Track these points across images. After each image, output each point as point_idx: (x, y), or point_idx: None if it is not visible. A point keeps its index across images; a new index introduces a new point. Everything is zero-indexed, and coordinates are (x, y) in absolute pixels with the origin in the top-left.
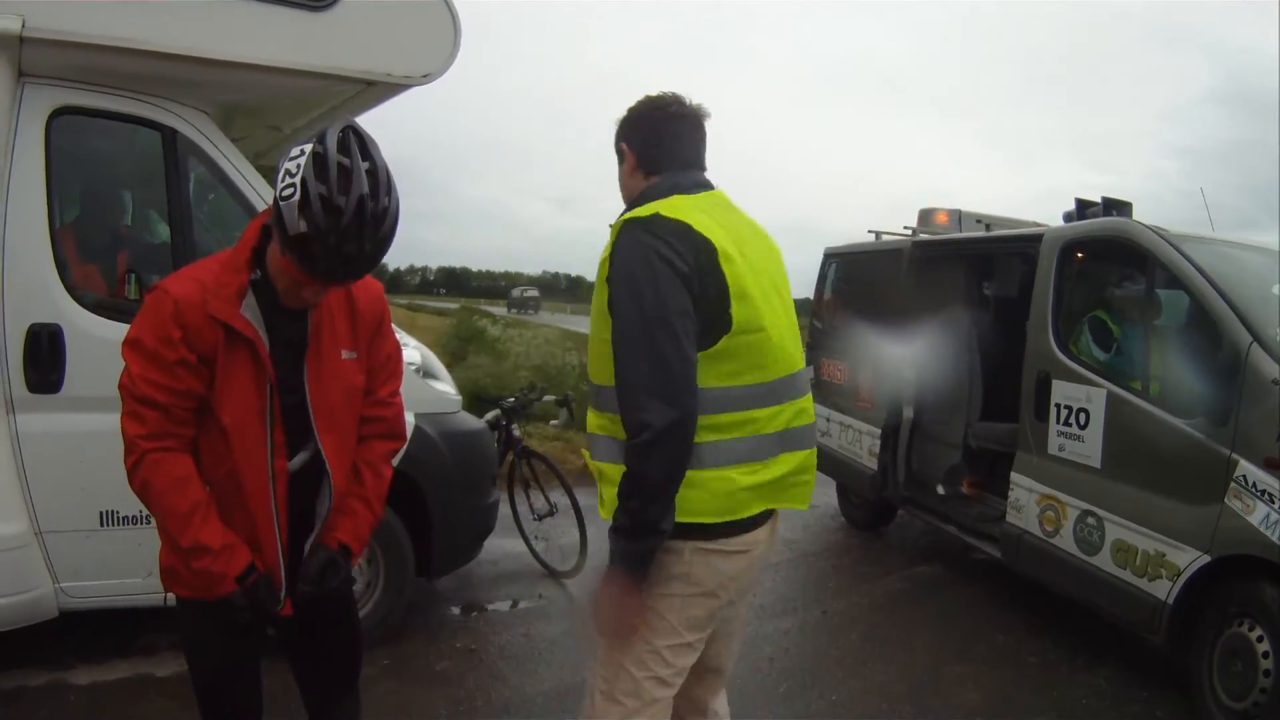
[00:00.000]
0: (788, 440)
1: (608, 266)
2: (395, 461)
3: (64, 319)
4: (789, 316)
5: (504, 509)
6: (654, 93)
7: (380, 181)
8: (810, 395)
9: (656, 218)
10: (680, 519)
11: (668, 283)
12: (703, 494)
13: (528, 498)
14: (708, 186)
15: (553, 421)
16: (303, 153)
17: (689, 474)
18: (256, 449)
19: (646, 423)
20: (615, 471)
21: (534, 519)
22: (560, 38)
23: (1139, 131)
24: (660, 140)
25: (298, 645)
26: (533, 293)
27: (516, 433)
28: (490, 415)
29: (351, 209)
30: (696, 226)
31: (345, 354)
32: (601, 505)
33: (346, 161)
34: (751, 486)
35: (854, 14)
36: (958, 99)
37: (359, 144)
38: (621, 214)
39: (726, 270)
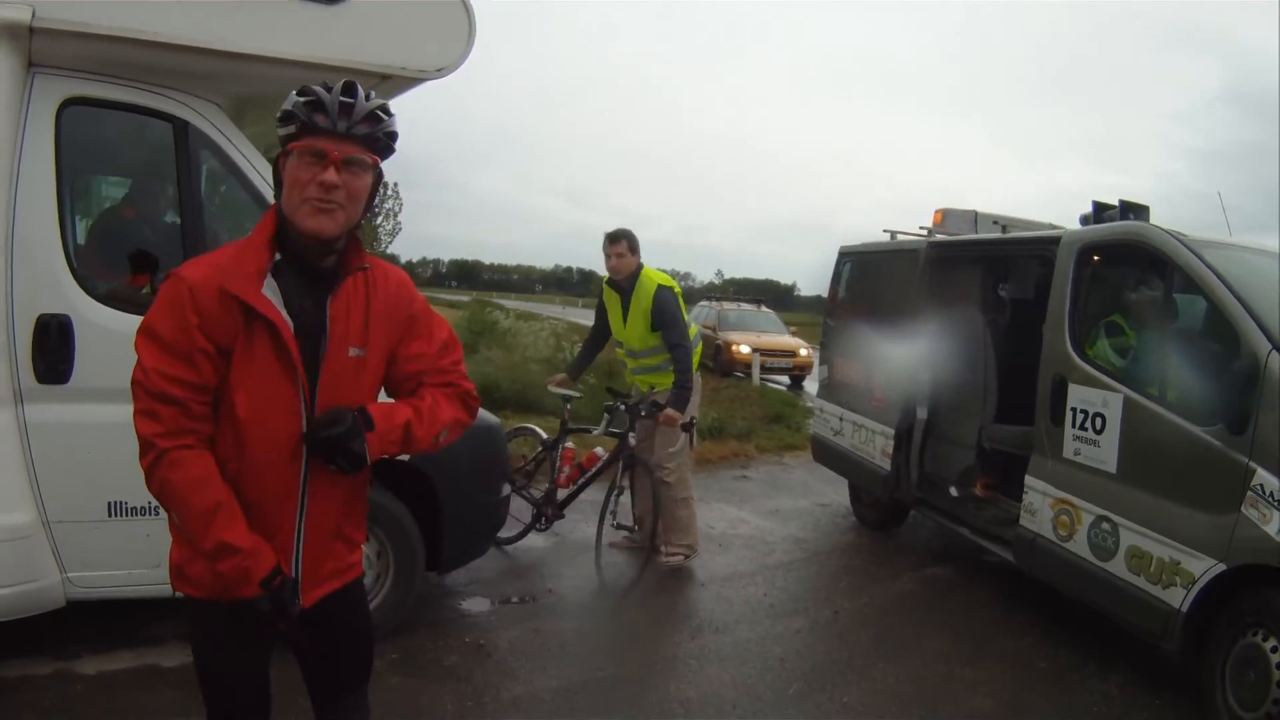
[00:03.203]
0: None
1: (654, 301)
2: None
3: (73, 309)
4: None
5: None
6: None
7: None
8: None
9: (667, 283)
10: None
11: (680, 308)
12: None
13: (616, 504)
14: None
15: (595, 431)
16: None
17: None
18: (282, 444)
19: (689, 356)
20: (663, 379)
21: (613, 525)
22: (573, 32)
23: (1150, 131)
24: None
25: (307, 643)
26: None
27: (632, 440)
28: (611, 404)
29: (340, 84)
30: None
31: (352, 351)
32: (642, 385)
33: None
34: None
35: (866, 11)
36: (969, 96)
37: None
38: (648, 277)
39: None
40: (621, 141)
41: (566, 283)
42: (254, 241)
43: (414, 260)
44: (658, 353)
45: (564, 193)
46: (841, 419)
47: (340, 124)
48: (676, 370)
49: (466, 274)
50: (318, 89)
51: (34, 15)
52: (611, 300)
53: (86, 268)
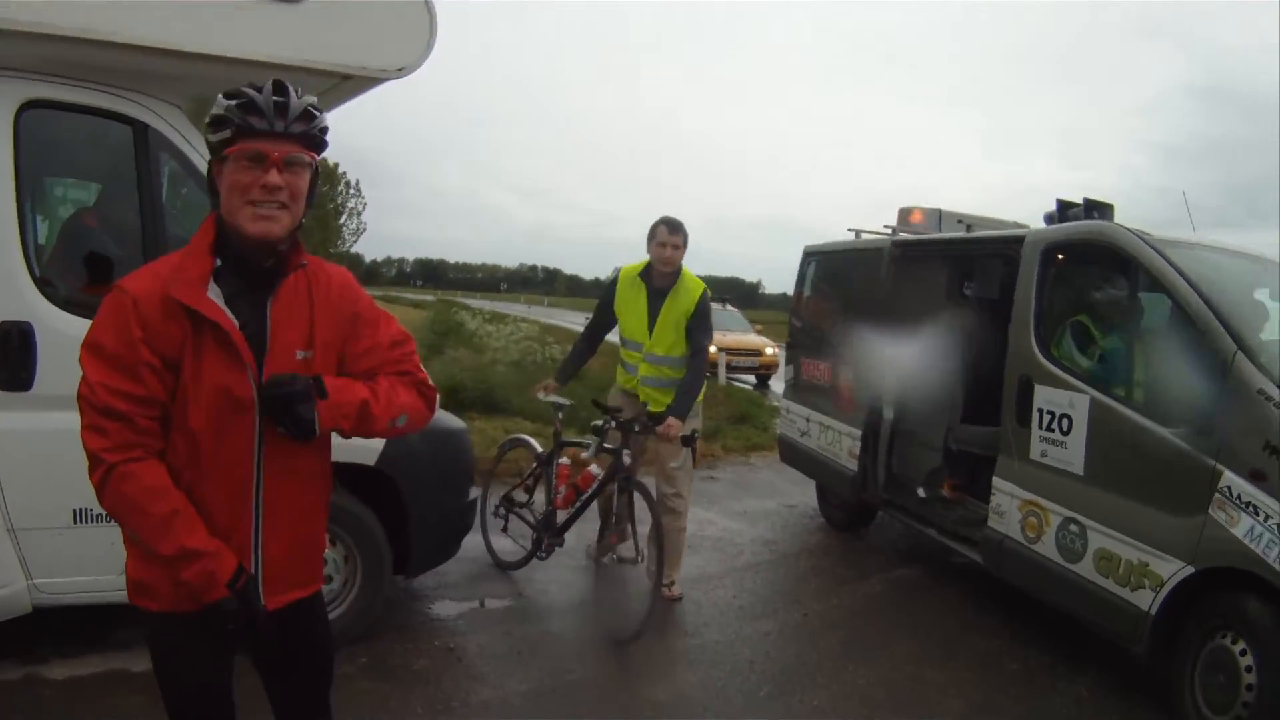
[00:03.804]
0: None
1: (697, 305)
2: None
3: (34, 316)
4: None
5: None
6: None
7: None
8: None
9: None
10: None
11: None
12: None
13: (618, 533)
14: None
15: (584, 454)
16: None
17: None
18: (239, 447)
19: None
20: (663, 395)
21: (611, 559)
22: (531, 27)
23: (1113, 127)
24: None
25: (267, 655)
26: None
27: (627, 459)
28: (601, 423)
29: (269, 83)
30: None
31: (299, 354)
32: (649, 399)
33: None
34: None
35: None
36: (935, 90)
37: None
38: (691, 277)
39: None
40: (583, 138)
41: (531, 281)
42: (195, 248)
43: (378, 259)
44: (679, 365)
45: (527, 191)
46: (808, 420)
47: (278, 124)
48: (690, 375)
49: (431, 273)
50: (248, 90)
51: None
52: (633, 296)
53: (47, 273)
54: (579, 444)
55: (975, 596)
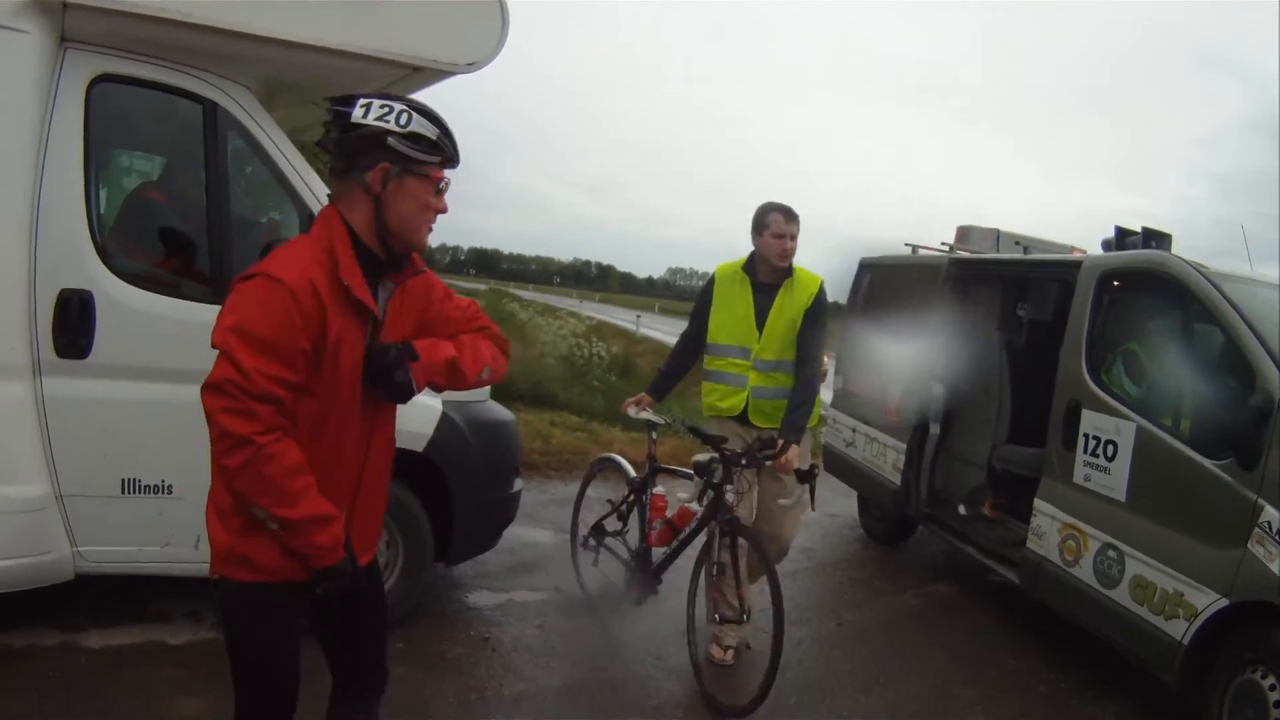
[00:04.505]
0: None
1: (815, 301)
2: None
3: (95, 285)
4: None
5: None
6: None
7: None
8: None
9: None
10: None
11: None
12: None
13: (719, 587)
14: None
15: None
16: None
17: None
18: (355, 423)
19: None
20: (775, 406)
21: (714, 618)
22: (605, 28)
23: (1172, 155)
24: None
25: (331, 622)
26: None
27: (730, 496)
28: (704, 457)
29: (440, 117)
30: None
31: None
32: (760, 415)
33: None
34: None
35: (892, 21)
36: (991, 111)
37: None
38: (805, 271)
39: None
40: (645, 139)
41: (585, 276)
42: (331, 242)
43: (432, 247)
44: (792, 370)
45: (585, 186)
46: (854, 430)
47: (457, 157)
48: (801, 387)
49: (485, 262)
50: (446, 122)
51: None
52: (737, 294)
53: (110, 244)
54: (677, 471)
55: (1009, 617)
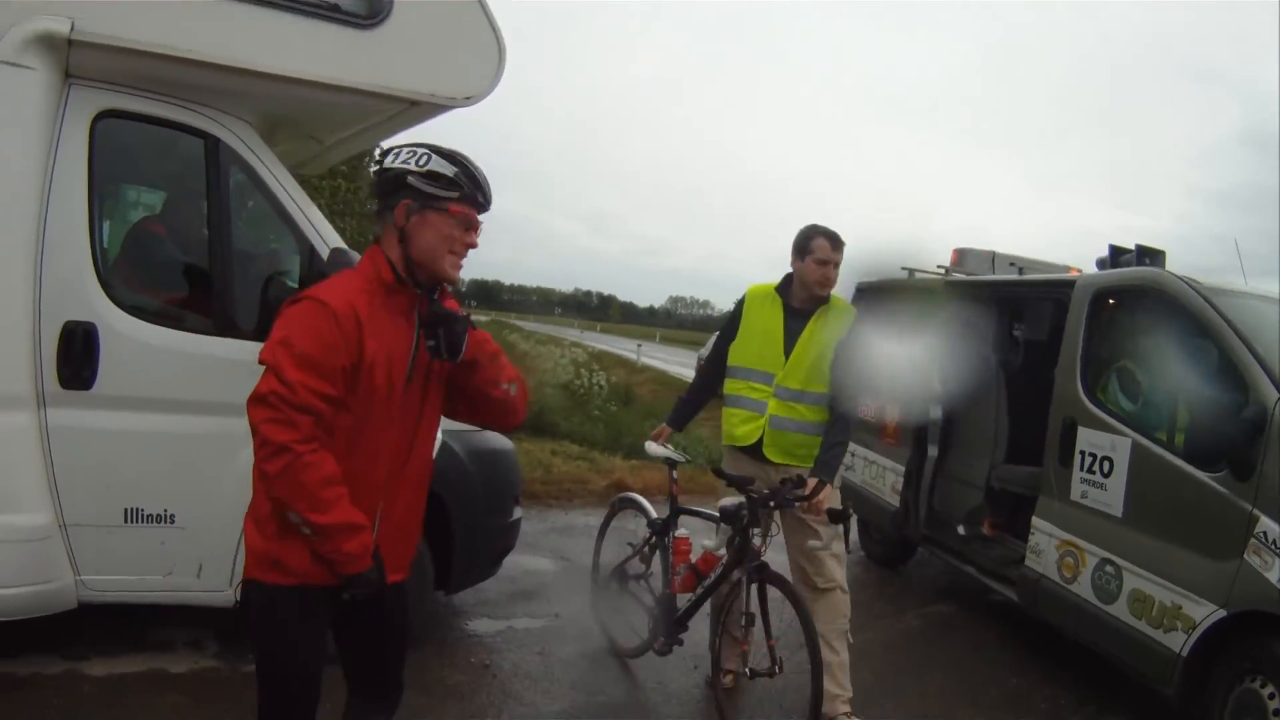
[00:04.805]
0: None
1: (849, 332)
2: None
3: (99, 318)
4: None
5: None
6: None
7: None
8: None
9: None
10: None
11: None
12: None
13: (749, 639)
14: None
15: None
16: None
17: None
18: (380, 449)
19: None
20: (797, 444)
21: (744, 673)
22: (597, 57)
23: (1170, 173)
24: None
25: (354, 627)
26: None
27: (757, 541)
28: (731, 502)
29: (473, 162)
30: None
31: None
32: (776, 449)
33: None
34: None
35: (890, 45)
36: (988, 130)
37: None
38: (842, 301)
39: None
40: (644, 169)
41: (586, 306)
42: (374, 273)
43: None
44: (818, 405)
45: (584, 217)
46: (853, 454)
47: (486, 203)
48: (837, 426)
49: (486, 294)
50: (469, 163)
51: (73, 28)
52: (768, 316)
53: (114, 277)
54: (700, 514)
55: (1009, 635)
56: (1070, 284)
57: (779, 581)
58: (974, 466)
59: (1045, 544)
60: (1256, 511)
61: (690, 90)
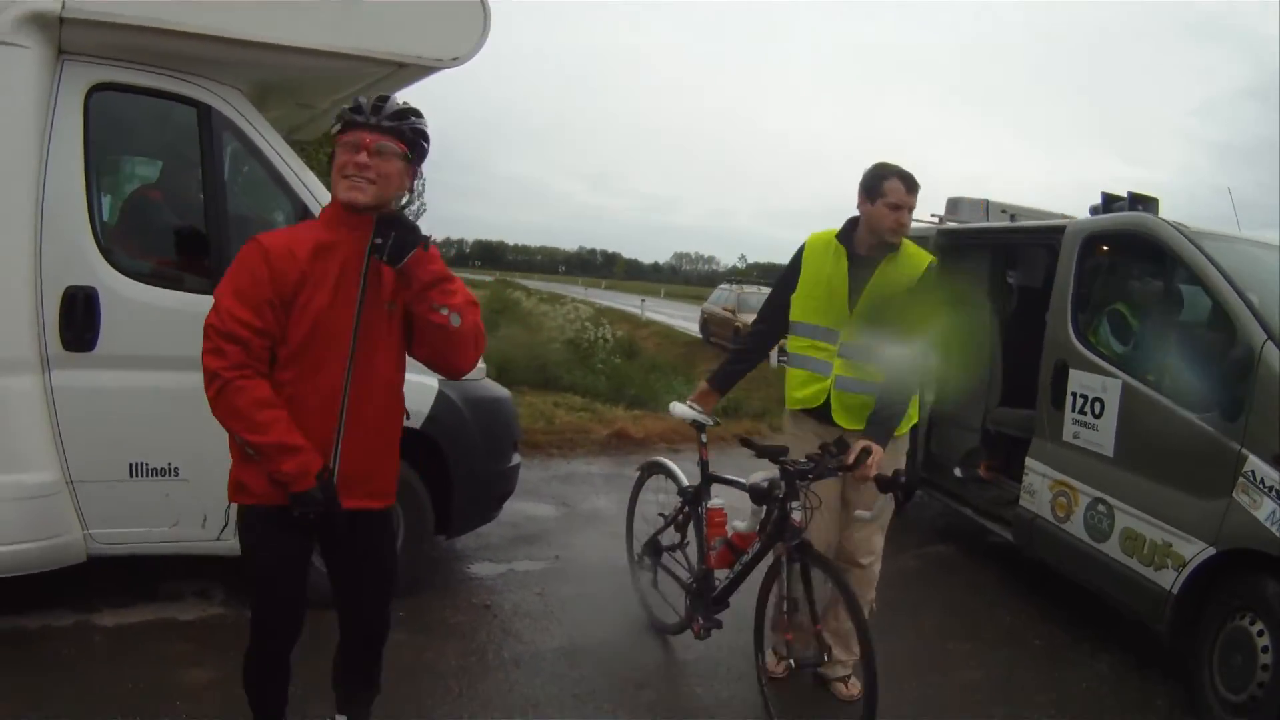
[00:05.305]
0: None
1: (922, 275)
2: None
3: (99, 282)
4: None
5: None
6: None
7: None
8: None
9: None
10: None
11: None
12: None
13: (792, 625)
14: None
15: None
16: None
17: None
18: (333, 376)
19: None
20: (863, 403)
21: (788, 661)
22: (598, 16)
23: (1173, 126)
24: None
25: (338, 558)
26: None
27: (796, 515)
28: (761, 480)
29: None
30: None
31: (388, 305)
32: (846, 413)
33: None
34: None
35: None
36: (991, 86)
37: None
38: (915, 248)
39: None
40: (645, 126)
41: (590, 264)
42: (321, 217)
43: (438, 240)
44: (881, 360)
45: (587, 176)
46: None
47: (371, 118)
48: (893, 383)
49: (491, 254)
50: (360, 99)
51: (64, 5)
52: (830, 266)
53: (112, 243)
54: (734, 482)
55: (1006, 575)
56: (1061, 230)
57: (823, 563)
58: (970, 410)
59: (1039, 484)
60: (1245, 451)
61: (685, 48)
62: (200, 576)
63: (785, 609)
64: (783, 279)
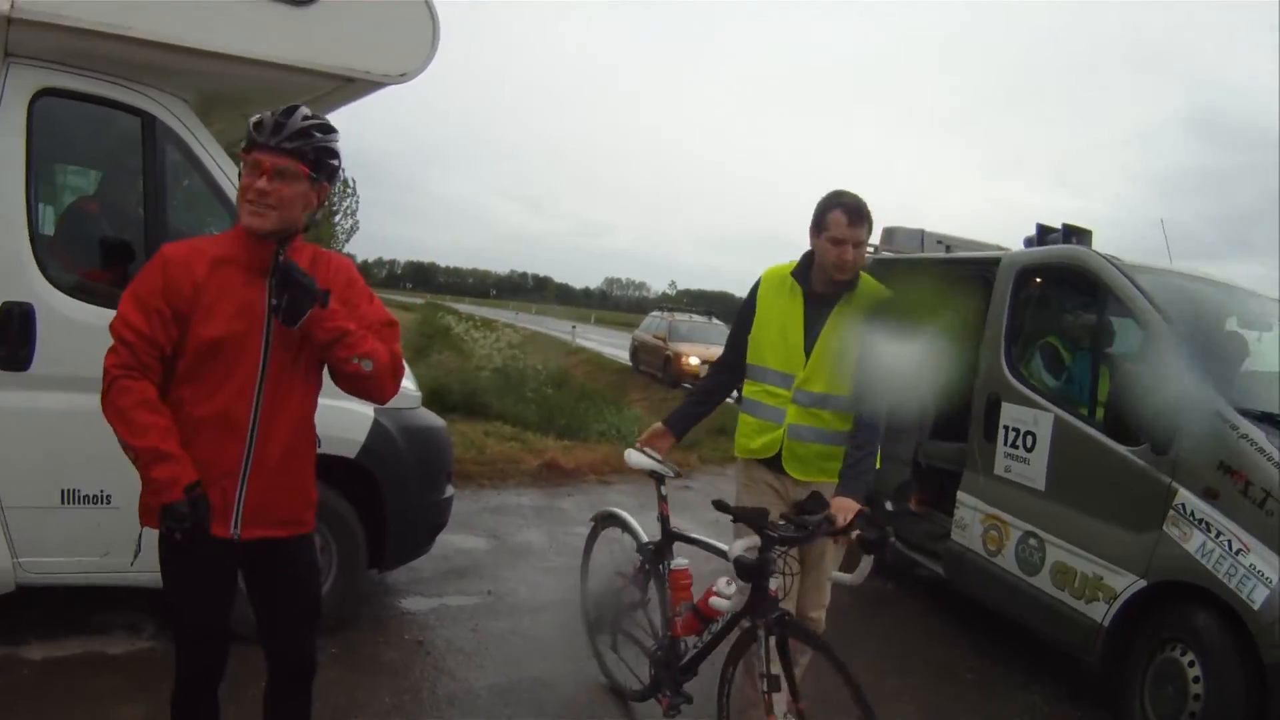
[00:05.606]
0: None
1: (870, 314)
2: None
3: (36, 298)
4: None
5: None
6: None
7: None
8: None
9: None
10: None
11: None
12: None
13: (771, 705)
14: None
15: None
16: None
17: None
18: (241, 394)
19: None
20: (820, 456)
21: None
22: (534, 38)
23: (1108, 156)
24: None
25: (256, 587)
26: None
27: (774, 585)
28: (746, 551)
29: (283, 107)
30: None
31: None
32: (796, 463)
33: None
34: None
35: (826, 23)
36: (929, 113)
37: None
38: (873, 284)
39: None
40: (578, 149)
41: (521, 288)
42: (234, 230)
43: (369, 260)
44: (845, 410)
45: (520, 197)
46: None
47: (271, 139)
48: (861, 431)
49: (422, 276)
50: (265, 114)
51: (13, 5)
52: (785, 306)
53: (51, 257)
54: (699, 543)
55: (938, 609)
56: (995, 261)
57: (809, 637)
58: (901, 443)
59: (970, 518)
60: (1175, 484)
61: (626, 72)
62: (131, 609)
63: (765, 688)
64: (741, 316)
